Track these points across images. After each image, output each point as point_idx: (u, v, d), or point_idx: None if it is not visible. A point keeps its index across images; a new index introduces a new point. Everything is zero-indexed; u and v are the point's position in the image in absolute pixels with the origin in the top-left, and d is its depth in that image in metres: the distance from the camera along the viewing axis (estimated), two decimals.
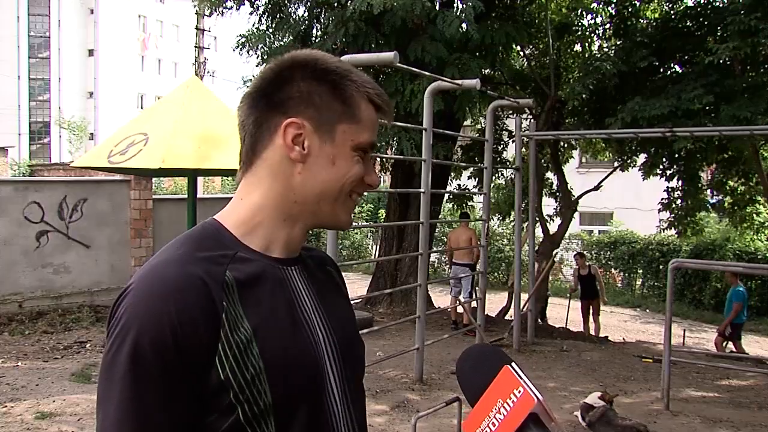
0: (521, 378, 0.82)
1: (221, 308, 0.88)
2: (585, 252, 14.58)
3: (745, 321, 10.47)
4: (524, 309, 8.17)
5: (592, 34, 10.61)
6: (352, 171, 0.99)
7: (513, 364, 0.85)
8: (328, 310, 1.03)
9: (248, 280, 0.93)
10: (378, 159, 10.52)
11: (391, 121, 1.08)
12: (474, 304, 8.33)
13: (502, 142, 11.26)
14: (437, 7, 8.43)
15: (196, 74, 18.62)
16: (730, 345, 9.55)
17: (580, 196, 10.67)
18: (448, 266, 12.19)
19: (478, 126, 12.21)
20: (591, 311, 10.74)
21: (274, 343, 0.91)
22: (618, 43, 9.60)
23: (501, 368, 0.84)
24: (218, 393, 0.87)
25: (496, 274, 17.96)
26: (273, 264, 0.98)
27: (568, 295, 11.44)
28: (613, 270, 17.94)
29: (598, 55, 9.37)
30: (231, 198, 1.03)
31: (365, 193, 1.34)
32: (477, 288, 8.28)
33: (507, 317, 10.12)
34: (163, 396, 0.84)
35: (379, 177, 1.07)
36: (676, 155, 9.46)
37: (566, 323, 10.87)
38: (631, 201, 18.22)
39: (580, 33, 10.61)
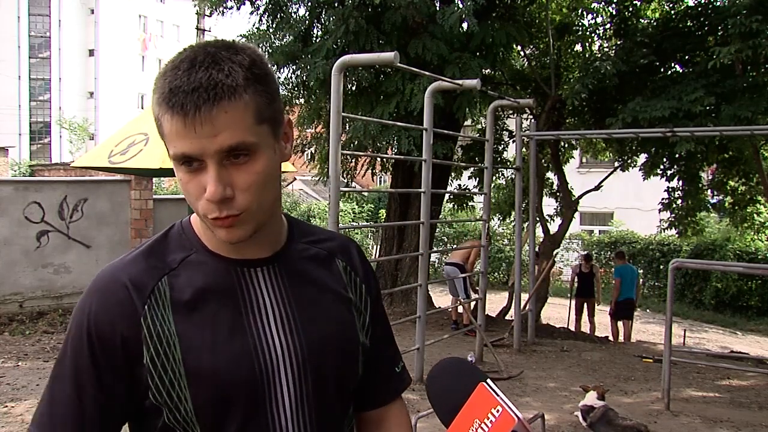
0: (499, 396, 0.78)
1: (141, 313, 0.90)
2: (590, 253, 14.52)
3: (633, 299, 10.34)
4: (525, 309, 8.17)
5: (593, 34, 10.60)
6: (189, 191, 0.89)
7: (488, 380, 0.81)
8: (300, 317, 0.97)
9: (187, 285, 0.93)
10: (379, 159, 10.54)
11: (193, 112, 0.82)
12: (474, 305, 8.32)
13: (502, 142, 11.25)
14: (437, 6, 8.43)
15: None
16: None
17: (580, 196, 10.65)
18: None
19: (479, 126, 12.20)
20: (586, 311, 10.67)
21: (201, 351, 0.90)
22: (618, 42, 9.59)
23: (476, 385, 0.80)
24: (146, 394, 0.92)
25: (496, 274, 17.97)
26: (230, 266, 0.96)
27: (569, 294, 11.42)
28: (613, 269, 17.92)
29: (599, 55, 9.37)
30: None
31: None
32: (477, 288, 8.27)
33: (507, 317, 10.11)
34: (77, 382, 0.91)
35: (212, 188, 0.85)
36: (677, 155, 9.46)
37: (568, 323, 10.86)
38: (632, 201, 18.24)
39: (580, 33, 10.60)
